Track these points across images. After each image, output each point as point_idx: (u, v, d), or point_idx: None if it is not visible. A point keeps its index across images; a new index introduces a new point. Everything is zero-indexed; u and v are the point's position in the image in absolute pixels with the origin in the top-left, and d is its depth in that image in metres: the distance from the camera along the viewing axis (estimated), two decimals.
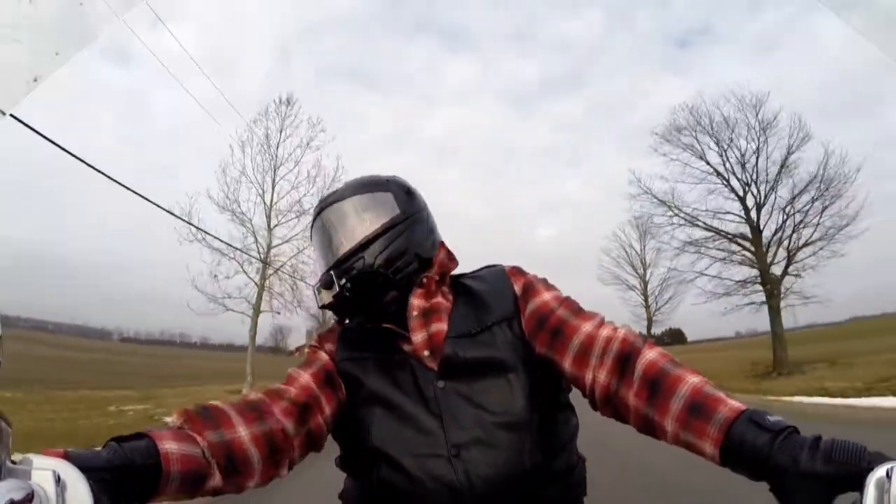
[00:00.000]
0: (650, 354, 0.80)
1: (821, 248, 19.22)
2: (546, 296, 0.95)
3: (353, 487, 0.96)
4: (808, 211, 19.51)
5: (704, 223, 21.51)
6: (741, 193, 20.89)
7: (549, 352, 0.89)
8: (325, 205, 1.01)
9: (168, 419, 0.86)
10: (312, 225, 1.03)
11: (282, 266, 16.52)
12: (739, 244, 20.91)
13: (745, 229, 20.97)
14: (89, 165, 7.89)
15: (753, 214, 20.65)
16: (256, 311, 16.22)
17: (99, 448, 0.61)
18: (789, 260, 19.94)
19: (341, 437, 0.97)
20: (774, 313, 20.11)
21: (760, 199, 20.52)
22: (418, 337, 0.93)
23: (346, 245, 0.96)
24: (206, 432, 0.72)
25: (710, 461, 0.69)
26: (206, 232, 15.06)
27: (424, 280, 0.96)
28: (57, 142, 6.92)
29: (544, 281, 0.99)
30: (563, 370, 0.88)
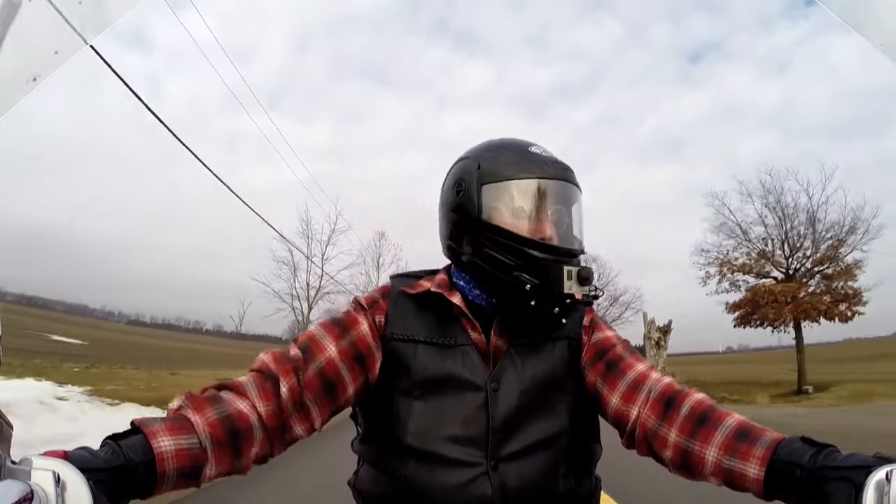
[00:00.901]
0: (698, 395, 0.81)
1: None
2: (609, 333, 0.95)
3: (370, 478, 0.91)
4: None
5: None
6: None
7: (601, 382, 0.89)
8: (572, 177, 0.91)
9: None
10: (550, 177, 0.89)
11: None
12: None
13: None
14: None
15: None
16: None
17: (97, 447, 0.61)
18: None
19: (366, 422, 0.93)
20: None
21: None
22: (493, 336, 0.90)
23: (580, 241, 0.92)
24: (208, 410, 0.70)
25: (752, 490, 0.68)
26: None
27: None
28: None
29: (605, 320, 1.00)
30: (608, 403, 0.87)
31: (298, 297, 26.27)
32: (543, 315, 0.87)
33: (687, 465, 0.76)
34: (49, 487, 0.48)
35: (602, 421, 0.93)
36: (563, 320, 0.89)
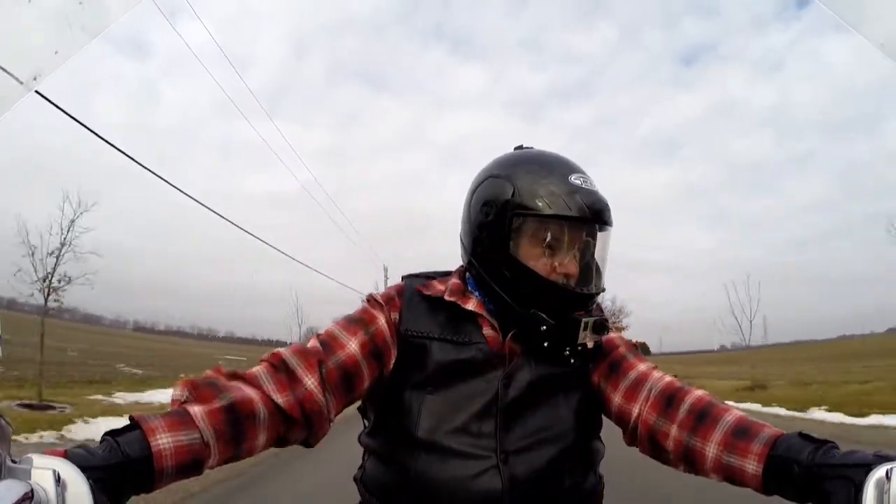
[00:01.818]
0: (698, 392, 0.82)
1: None
2: (612, 335, 0.96)
3: (378, 471, 0.91)
4: None
5: None
6: None
7: (605, 382, 0.91)
8: (607, 219, 0.89)
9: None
10: (582, 219, 0.86)
11: None
12: None
13: None
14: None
15: None
16: None
17: (96, 445, 0.61)
18: None
19: (376, 415, 0.94)
20: None
21: None
22: (508, 339, 0.90)
23: (601, 281, 0.92)
24: (211, 398, 0.70)
25: (751, 485, 0.68)
26: None
27: None
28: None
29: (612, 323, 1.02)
30: (611, 402, 0.90)
31: None
32: (553, 355, 0.89)
33: (688, 461, 0.78)
34: (49, 486, 0.48)
35: (606, 422, 0.95)
36: (572, 360, 0.90)
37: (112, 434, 0.62)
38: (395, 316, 0.92)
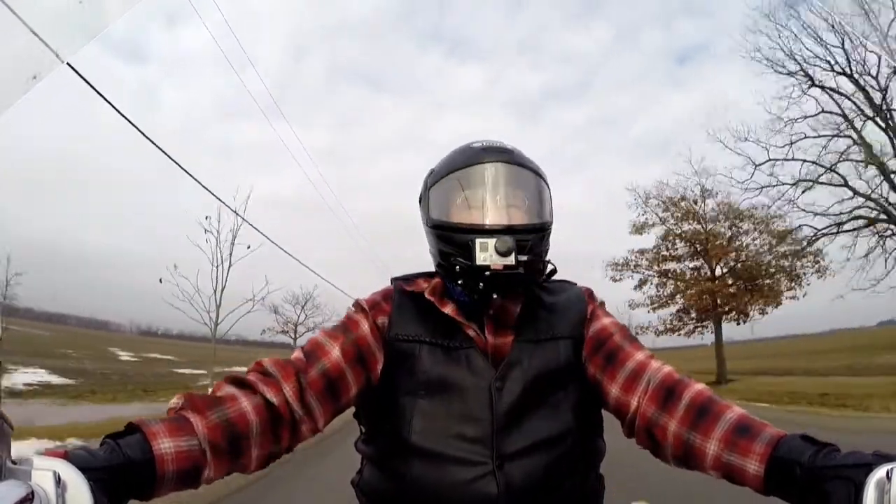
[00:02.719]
0: (698, 386, 0.80)
1: None
2: (606, 321, 0.95)
3: (375, 478, 0.91)
4: None
5: None
6: None
7: (601, 374, 0.89)
8: (505, 158, 0.92)
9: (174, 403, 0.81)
10: (473, 164, 0.91)
11: None
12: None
13: None
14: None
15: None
16: None
17: (97, 447, 0.61)
18: None
19: (370, 422, 0.93)
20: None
21: None
22: (490, 337, 0.90)
23: (527, 217, 0.90)
24: (208, 411, 0.70)
25: (752, 485, 0.68)
26: None
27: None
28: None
29: (603, 305, 0.99)
30: (608, 394, 0.87)
31: None
32: (474, 293, 0.88)
33: (687, 458, 0.76)
34: (49, 487, 0.48)
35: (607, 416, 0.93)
36: (495, 295, 0.88)
37: (113, 437, 0.62)
38: (382, 320, 0.92)
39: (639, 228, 22.82)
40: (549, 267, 0.94)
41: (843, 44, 16.17)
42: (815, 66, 17.02)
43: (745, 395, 15.60)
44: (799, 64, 17.23)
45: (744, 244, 21.69)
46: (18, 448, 0.49)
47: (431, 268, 0.99)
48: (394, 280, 1.00)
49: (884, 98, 16.04)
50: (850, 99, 16.78)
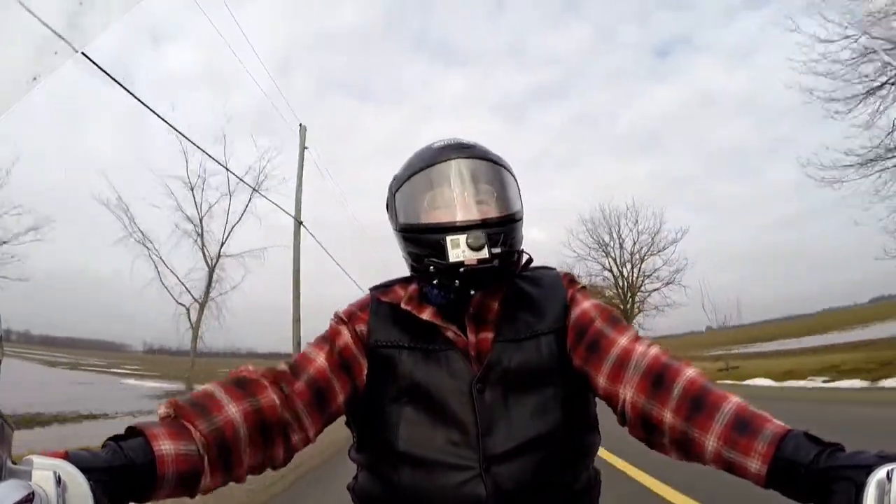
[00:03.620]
0: (690, 372, 0.77)
1: None
2: (586, 304, 0.92)
3: (368, 484, 0.91)
4: None
5: None
6: None
7: (586, 366, 0.87)
8: (466, 153, 0.91)
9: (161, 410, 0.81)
10: (435, 163, 0.91)
11: None
12: None
13: None
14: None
15: None
16: None
17: (98, 448, 0.61)
18: None
19: (360, 430, 0.93)
20: None
21: None
22: (472, 335, 0.89)
23: (496, 209, 0.89)
24: (197, 421, 0.70)
25: (753, 481, 0.67)
26: None
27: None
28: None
29: (584, 289, 0.97)
30: (596, 385, 0.85)
31: None
32: (451, 292, 0.88)
33: (684, 451, 0.75)
34: (50, 487, 0.48)
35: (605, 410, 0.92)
36: (473, 292, 0.87)
37: (114, 439, 0.62)
38: (361, 329, 0.92)
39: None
40: (525, 257, 0.94)
41: None
42: None
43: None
44: None
45: None
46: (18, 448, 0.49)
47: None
48: (371, 289, 1.00)
49: None
50: None
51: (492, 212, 0.89)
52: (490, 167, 0.92)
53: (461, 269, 0.84)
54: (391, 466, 0.86)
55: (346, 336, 0.91)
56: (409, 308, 0.91)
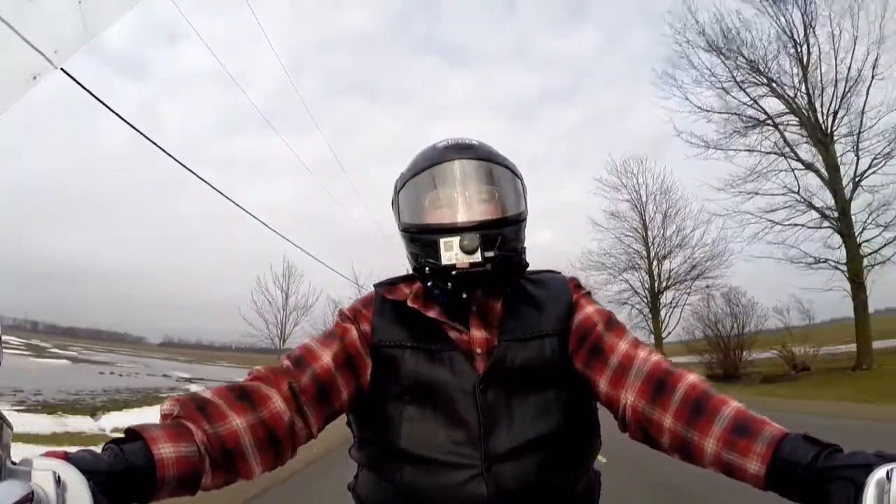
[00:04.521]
0: (691, 378, 0.78)
1: None
2: (589, 309, 0.93)
3: (369, 483, 0.91)
4: None
5: None
6: None
7: (588, 370, 0.87)
8: (468, 154, 0.90)
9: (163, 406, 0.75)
10: (436, 163, 0.90)
11: None
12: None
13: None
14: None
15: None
16: None
17: (98, 450, 0.61)
18: None
19: (361, 428, 0.93)
20: None
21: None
22: (476, 334, 0.89)
23: (493, 211, 0.89)
24: (200, 423, 0.70)
25: (752, 483, 0.67)
26: None
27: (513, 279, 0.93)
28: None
29: (589, 294, 0.98)
30: (598, 390, 0.86)
31: None
32: (447, 294, 0.88)
33: (684, 453, 0.76)
34: (49, 488, 0.48)
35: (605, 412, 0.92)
36: (465, 295, 0.87)
37: (115, 442, 0.62)
38: (365, 328, 0.91)
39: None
40: (527, 259, 0.94)
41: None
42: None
43: None
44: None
45: None
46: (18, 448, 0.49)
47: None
48: (376, 286, 0.99)
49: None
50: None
51: (488, 213, 0.88)
52: (491, 168, 0.92)
53: (453, 272, 0.84)
54: (393, 465, 0.86)
55: (352, 335, 0.91)
56: (415, 306, 0.91)
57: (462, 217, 0.87)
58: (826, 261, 18.95)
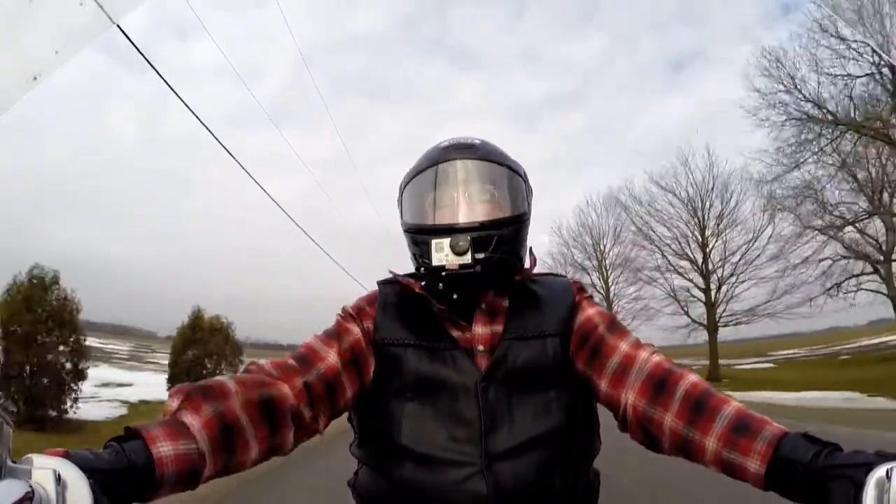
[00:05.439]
0: (691, 378, 0.78)
1: None
2: (590, 311, 0.93)
3: (368, 480, 0.92)
4: None
5: None
6: None
7: (589, 370, 0.88)
8: (466, 154, 0.91)
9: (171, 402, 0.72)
10: (436, 164, 0.91)
11: None
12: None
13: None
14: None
15: None
16: None
17: (99, 449, 0.61)
18: None
19: (362, 425, 0.93)
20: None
21: None
22: (479, 331, 0.89)
23: (489, 212, 0.89)
24: (203, 407, 0.70)
25: (752, 482, 0.67)
26: None
27: (516, 279, 0.93)
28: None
29: (591, 298, 0.98)
30: (598, 390, 0.86)
31: None
32: (439, 295, 0.89)
33: (684, 453, 0.76)
34: (50, 486, 0.48)
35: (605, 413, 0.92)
36: (455, 296, 0.88)
37: (116, 440, 0.62)
38: (368, 325, 0.92)
39: None
40: (528, 260, 0.94)
41: None
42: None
43: None
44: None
45: None
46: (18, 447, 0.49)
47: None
48: (379, 283, 1.00)
49: None
50: None
51: (485, 214, 0.89)
52: (489, 168, 0.92)
53: (443, 273, 0.85)
54: (393, 462, 0.86)
55: (356, 332, 0.91)
56: (424, 293, 0.91)
57: (455, 218, 0.88)
58: None
